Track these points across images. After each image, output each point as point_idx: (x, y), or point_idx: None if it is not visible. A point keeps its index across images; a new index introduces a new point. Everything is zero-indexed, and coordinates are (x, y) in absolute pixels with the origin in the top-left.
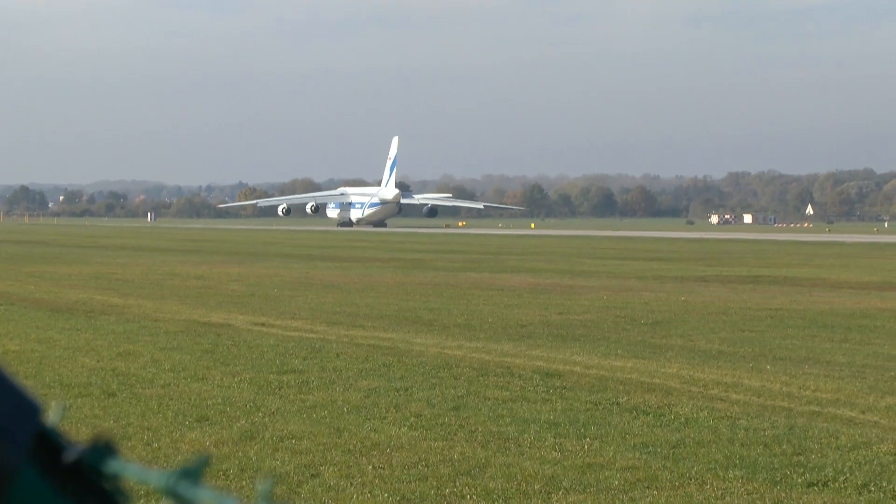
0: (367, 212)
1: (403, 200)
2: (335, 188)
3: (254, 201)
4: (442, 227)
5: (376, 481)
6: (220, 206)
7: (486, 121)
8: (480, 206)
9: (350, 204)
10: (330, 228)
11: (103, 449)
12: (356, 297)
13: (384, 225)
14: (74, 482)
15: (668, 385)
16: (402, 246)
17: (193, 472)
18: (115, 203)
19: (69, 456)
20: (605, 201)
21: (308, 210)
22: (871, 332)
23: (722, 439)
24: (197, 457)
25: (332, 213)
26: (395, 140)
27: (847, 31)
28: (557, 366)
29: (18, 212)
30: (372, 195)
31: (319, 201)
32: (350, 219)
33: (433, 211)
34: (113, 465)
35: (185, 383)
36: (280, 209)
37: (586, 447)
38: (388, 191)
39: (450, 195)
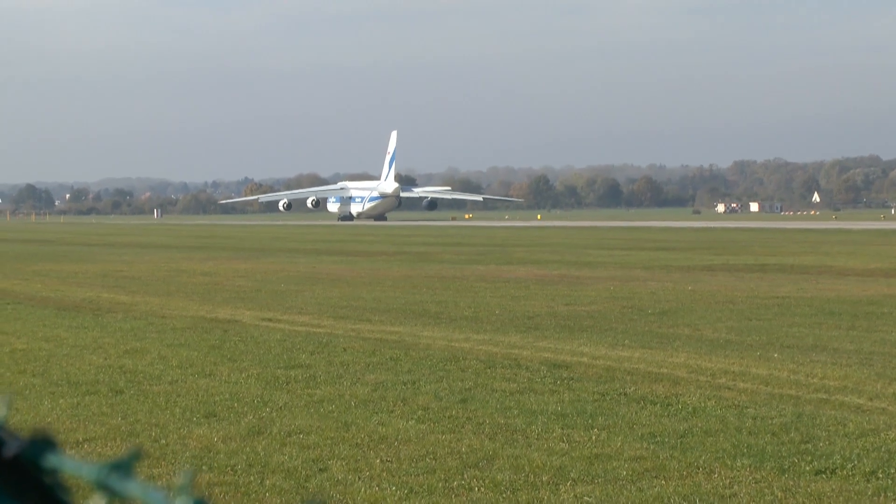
0: (368, 206)
1: (403, 194)
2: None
3: (255, 196)
4: (448, 220)
5: (384, 475)
6: (222, 201)
7: (492, 113)
8: (480, 198)
9: (350, 198)
10: (334, 223)
11: (42, 443)
12: (363, 291)
13: (384, 218)
14: (14, 477)
15: (676, 375)
16: (408, 239)
17: (124, 466)
18: (121, 200)
19: (8, 451)
20: (611, 192)
21: (309, 205)
22: (879, 319)
23: (730, 428)
24: (128, 450)
25: (333, 207)
26: (394, 134)
27: (851, 18)
28: (565, 357)
29: (25, 210)
30: (372, 189)
31: (320, 196)
32: (351, 213)
33: (433, 204)
34: (52, 460)
35: (192, 379)
36: (281, 204)
37: (594, 438)
38: (388, 184)
39: (449, 188)
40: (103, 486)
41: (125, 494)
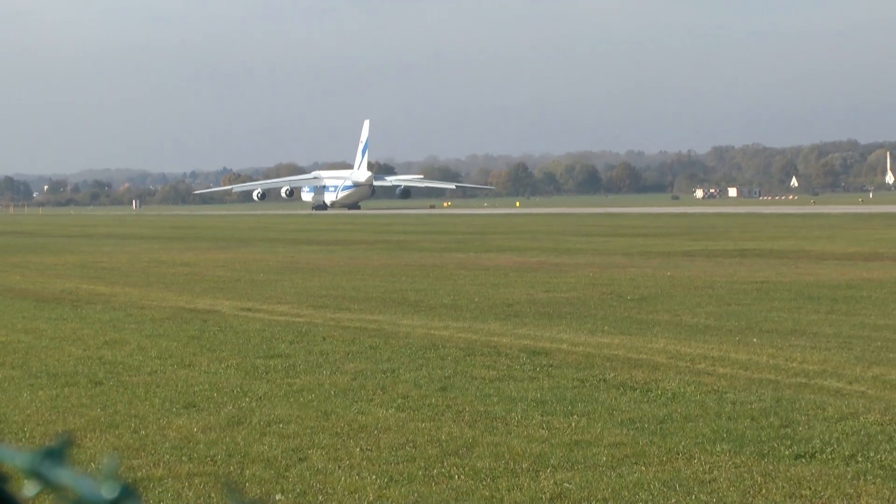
0: (341, 195)
1: (377, 182)
2: None
3: (230, 187)
4: (426, 208)
5: (364, 463)
6: (198, 191)
7: (470, 102)
8: (452, 186)
9: (324, 187)
10: (311, 212)
11: None
12: (342, 280)
13: (358, 207)
14: None
15: (655, 360)
16: (387, 228)
17: (56, 453)
18: (99, 192)
19: None
20: (590, 178)
21: (283, 194)
22: (857, 303)
23: (709, 413)
24: (59, 437)
25: (307, 196)
26: (367, 123)
27: (830, 3)
28: (544, 344)
29: (3, 202)
30: (345, 178)
31: (294, 185)
32: (324, 202)
33: (406, 192)
34: None
35: (171, 370)
36: (255, 194)
37: (574, 424)
38: (361, 173)
39: (422, 176)
40: (35, 474)
41: (56, 482)
